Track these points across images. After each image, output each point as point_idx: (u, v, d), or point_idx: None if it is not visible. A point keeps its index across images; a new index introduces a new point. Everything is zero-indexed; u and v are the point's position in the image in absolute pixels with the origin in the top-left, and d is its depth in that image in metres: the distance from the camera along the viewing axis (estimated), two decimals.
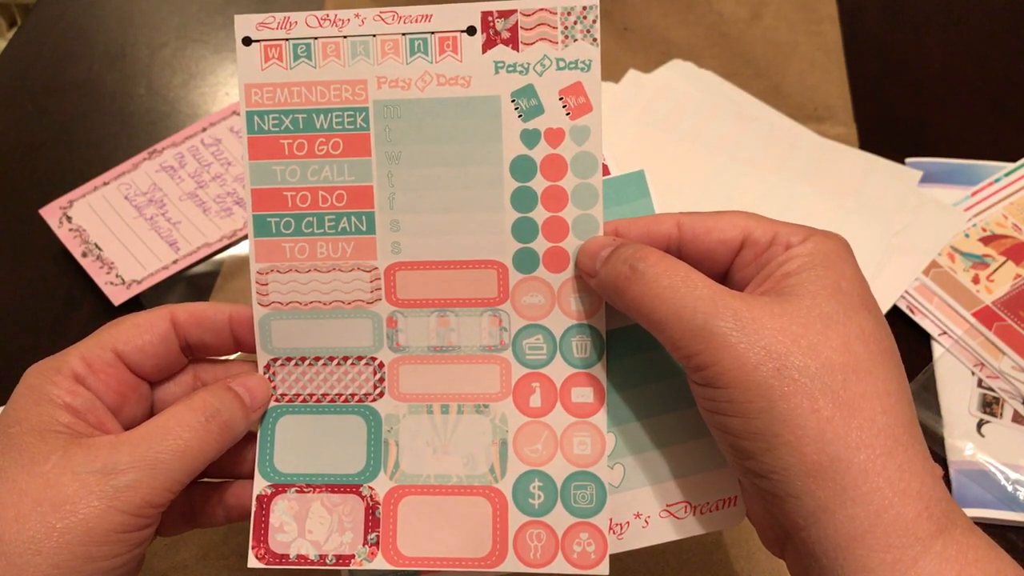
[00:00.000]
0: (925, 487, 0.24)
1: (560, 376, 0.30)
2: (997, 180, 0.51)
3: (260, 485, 0.30)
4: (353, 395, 0.30)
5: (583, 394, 0.30)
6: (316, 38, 0.30)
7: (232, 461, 0.31)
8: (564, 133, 0.29)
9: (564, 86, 0.29)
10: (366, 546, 0.29)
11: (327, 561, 0.29)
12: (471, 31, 0.29)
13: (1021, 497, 0.40)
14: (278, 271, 0.30)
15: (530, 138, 0.29)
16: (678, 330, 0.26)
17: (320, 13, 0.29)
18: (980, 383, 0.44)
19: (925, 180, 0.52)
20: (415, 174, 0.30)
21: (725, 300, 0.26)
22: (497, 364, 0.30)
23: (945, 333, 0.46)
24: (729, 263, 0.29)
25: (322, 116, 0.30)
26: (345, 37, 0.29)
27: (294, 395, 0.30)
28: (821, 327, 0.25)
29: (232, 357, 0.34)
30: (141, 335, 0.30)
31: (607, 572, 0.29)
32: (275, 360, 0.31)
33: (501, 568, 0.29)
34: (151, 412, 0.31)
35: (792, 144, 0.53)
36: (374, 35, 0.30)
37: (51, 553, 0.25)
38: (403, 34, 0.29)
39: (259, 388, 0.30)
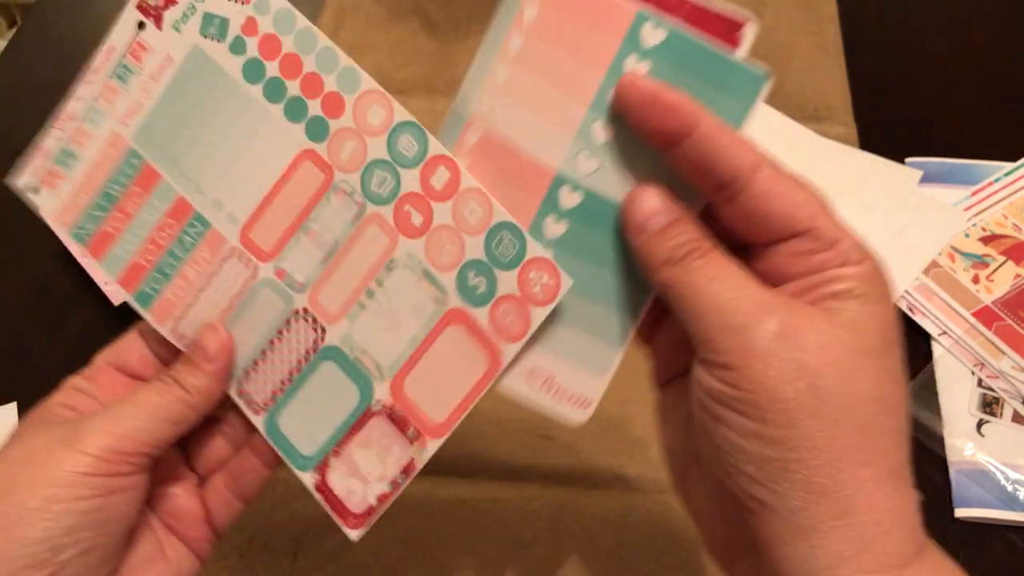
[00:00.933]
0: (914, 515, 0.24)
1: (414, 185, 0.30)
2: (997, 180, 0.51)
3: (308, 479, 0.31)
4: (307, 352, 0.31)
5: (441, 178, 0.31)
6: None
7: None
8: (255, 19, 0.30)
9: None
10: (413, 443, 0.31)
11: (400, 482, 0.31)
12: (141, 26, 0.31)
13: (1021, 497, 0.40)
14: (182, 319, 0.32)
15: (240, 46, 0.30)
16: (714, 324, 0.25)
17: None
18: (980, 383, 0.44)
19: (925, 180, 0.52)
20: (196, 156, 0.31)
21: (771, 303, 0.25)
22: (370, 224, 0.30)
23: (945, 333, 0.46)
24: (776, 241, 0.26)
25: (114, 186, 0.32)
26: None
27: (271, 394, 0.31)
28: (861, 358, 0.24)
29: None
30: (130, 348, 0.33)
31: (569, 281, 0.28)
32: (238, 383, 0.32)
33: (508, 360, 0.30)
34: None
35: (792, 144, 0.53)
36: (95, 98, 0.35)
37: (24, 497, 0.27)
38: (110, 75, 0.34)
39: (211, 342, 0.32)
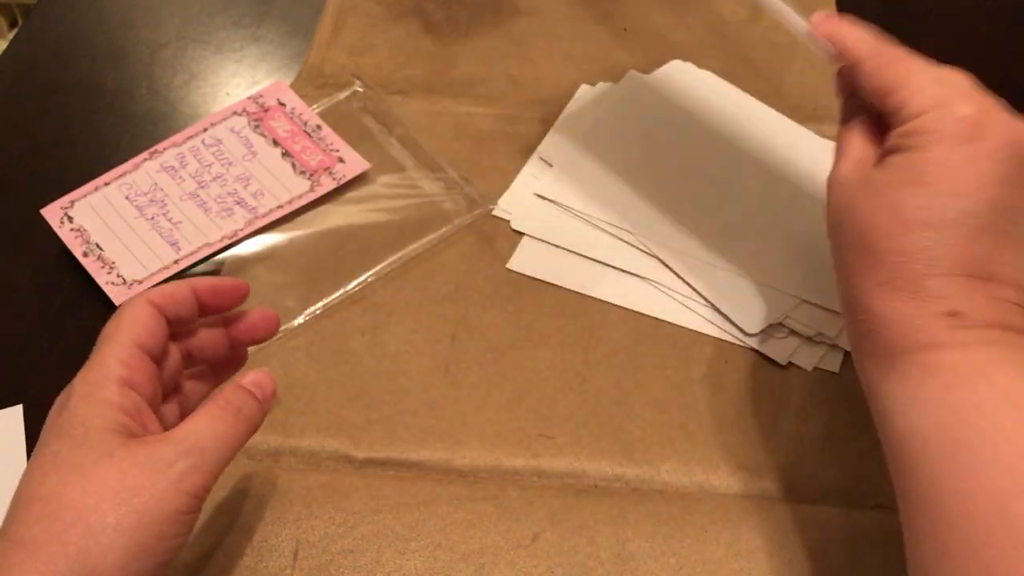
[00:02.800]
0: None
1: None
2: None
3: None
4: None
5: None
6: None
7: None
8: None
9: None
10: None
11: None
12: None
13: None
14: None
15: None
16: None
17: None
18: None
19: None
20: None
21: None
22: None
23: None
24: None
25: None
26: None
27: None
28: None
29: None
30: (146, 323, 0.34)
31: None
32: None
33: None
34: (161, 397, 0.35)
35: (790, 143, 0.54)
36: None
37: (131, 532, 0.29)
38: None
39: (266, 382, 0.35)
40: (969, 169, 0.31)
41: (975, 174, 0.31)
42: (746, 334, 0.45)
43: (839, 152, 0.35)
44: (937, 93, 0.33)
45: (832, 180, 0.35)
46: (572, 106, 0.56)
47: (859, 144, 0.35)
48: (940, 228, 0.31)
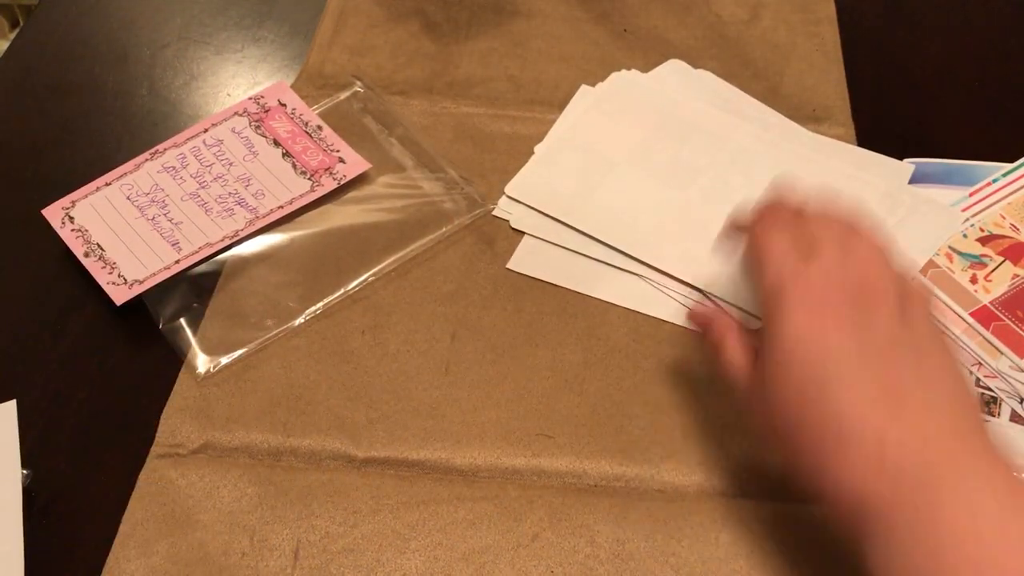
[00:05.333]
0: None
1: None
2: (995, 180, 0.52)
3: None
4: None
5: None
6: None
7: None
8: None
9: None
10: None
11: None
12: None
13: None
14: None
15: None
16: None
17: None
18: (978, 383, 0.44)
19: (923, 180, 0.52)
20: None
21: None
22: None
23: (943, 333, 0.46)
24: None
25: None
26: None
27: None
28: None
29: None
30: None
31: None
32: None
33: None
34: None
35: (787, 140, 0.54)
36: None
37: None
38: None
39: None
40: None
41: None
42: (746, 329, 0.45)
43: (728, 367, 0.39)
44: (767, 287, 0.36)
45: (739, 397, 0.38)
46: (571, 106, 0.56)
47: (739, 355, 0.38)
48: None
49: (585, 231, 0.49)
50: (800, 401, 0.33)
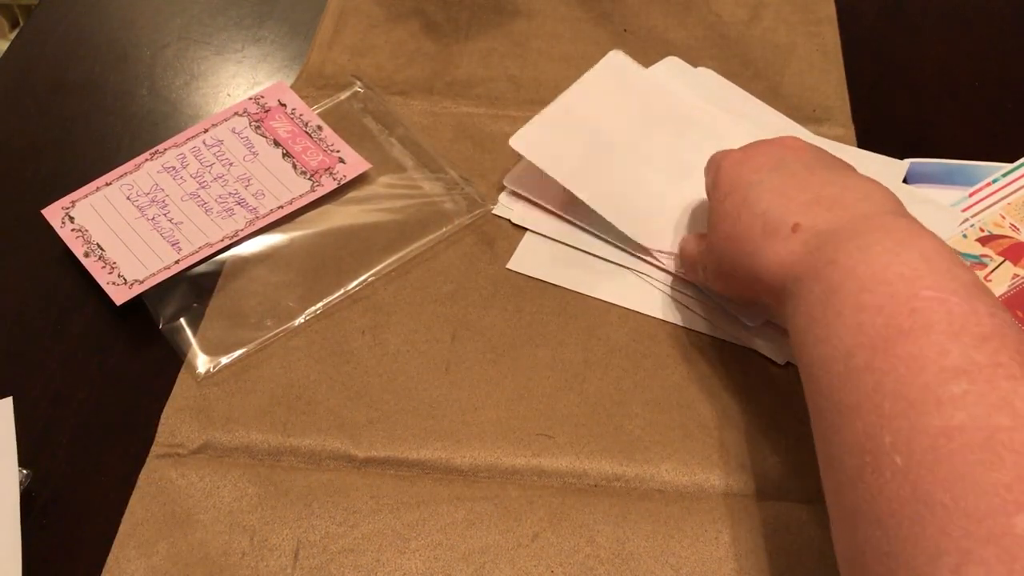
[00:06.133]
0: None
1: None
2: (995, 181, 0.52)
3: None
4: None
5: None
6: None
7: None
8: None
9: None
10: None
11: None
12: None
13: None
14: None
15: None
16: None
17: None
18: None
19: (923, 181, 0.52)
20: None
21: None
22: None
23: None
24: None
25: None
26: None
27: None
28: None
29: None
30: None
31: None
32: None
33: None
34: None
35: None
36: None
37: None
38: None
39: None
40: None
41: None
42: (746, 326, 0.46)
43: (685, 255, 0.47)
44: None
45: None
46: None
47: (691, 243, 0.47)
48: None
49: (586, 201, 0.48)
50: (735, 220, 0.40)
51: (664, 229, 0.49)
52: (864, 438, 0.29)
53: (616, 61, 0.55)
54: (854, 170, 0.41)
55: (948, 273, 0.31)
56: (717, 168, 0.43)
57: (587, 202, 0.48)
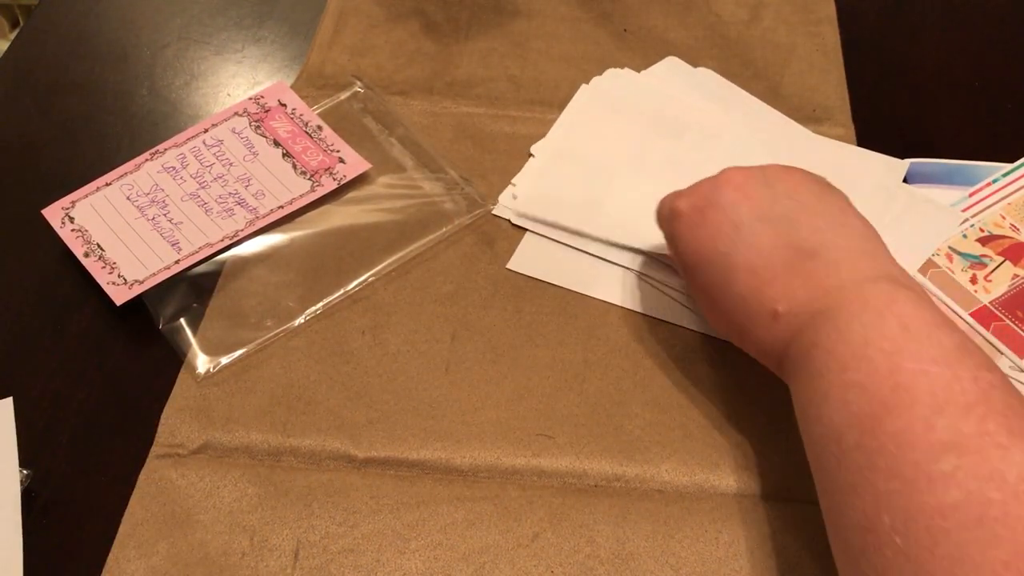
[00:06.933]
0: None
1: None
2: (995, 181, 0.52)
3: None
4: None
5: None
6: None
7: None
8: None
9: None
10: None
11: None
12: None
13: None
14: None
15: None
16: None
17: None
18: None
19: (923, 181, 0.52)
20: None
21: None
22: None
23: None
24: None
25: None
26: None
27: None
28: None
29: None
30: None
31: None
32: None
33: None
34: None
35: (781, 137, 0.54)
36: None
37: None
38: None
39: None
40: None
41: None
42: None
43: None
44: None
45: None
46: (569, 108, 0.56)
47: None
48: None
49: (602, 238, 0.49)
50: (713, 300, 0.40)
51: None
52: (863, 518, 0.29)
53: (596, 85, 0.56)
54: (814, 198, 0.39)
55: (929, 339, 0.31)
56: (671, 229, 0.42)
57: (596, 235, 0.49)
